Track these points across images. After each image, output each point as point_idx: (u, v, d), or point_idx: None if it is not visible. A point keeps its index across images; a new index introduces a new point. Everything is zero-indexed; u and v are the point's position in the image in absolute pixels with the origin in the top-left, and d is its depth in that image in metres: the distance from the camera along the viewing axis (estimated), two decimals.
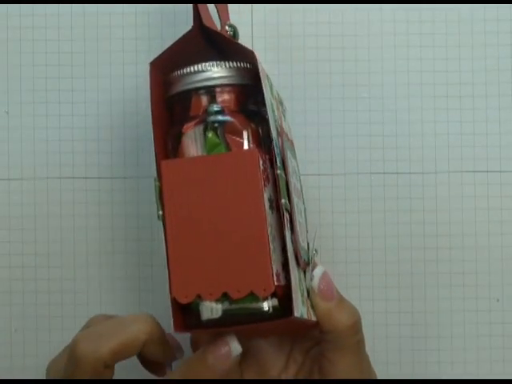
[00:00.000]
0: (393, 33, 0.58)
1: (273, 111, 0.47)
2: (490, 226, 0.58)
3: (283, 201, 0.45)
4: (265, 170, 0.45)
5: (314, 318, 0.48)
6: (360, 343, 0.50)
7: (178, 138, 0.47)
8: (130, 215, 0.58)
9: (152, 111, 0.47)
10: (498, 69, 0.58)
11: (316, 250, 0.51)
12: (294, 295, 0.44)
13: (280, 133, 0.47)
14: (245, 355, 0.52)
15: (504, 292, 0.58)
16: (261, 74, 0.46)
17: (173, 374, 0.48)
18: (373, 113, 0.58)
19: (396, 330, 0.58)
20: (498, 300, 0.58)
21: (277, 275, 0.44)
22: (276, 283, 0.44)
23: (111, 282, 0.58)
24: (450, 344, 0.58)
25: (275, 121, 0.47)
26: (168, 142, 0.48)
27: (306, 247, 0.50)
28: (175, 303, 0.45)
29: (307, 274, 0.48)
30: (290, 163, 0.48)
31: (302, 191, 0.52)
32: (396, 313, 0.58)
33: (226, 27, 0.52)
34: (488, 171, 0.58)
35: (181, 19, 0.58)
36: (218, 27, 0.52)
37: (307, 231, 0.51)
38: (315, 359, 0.51)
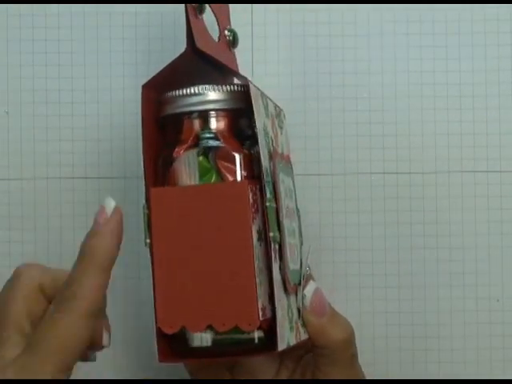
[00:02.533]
0: (393, 33, 0.58)
1: (266, 134, 0.46)
2: (490, 225, 0.58)
3: (271, 234, 0.45)
4: (254, 201, 0.45)
5: (304, 336, 0.48)
6: (354, 357, 0.50)
7: (168, 162, 0.47)
8: (129, 215, 0.58)
9: (143, 135, 0.47)
10: (498, 69, 0.58)
11: (309, 267, 0.50)
12: (278, 329, 0.44)
13: (273, 156, 0.47)
14: (236, 363, 0.52)
15: (504, 292, 0.58)
16: (253, 103, 0.45)
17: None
18: (373, 113, 0.58)
19: (396, 329, 0.58)
20: (497, 300, 0.58)
21: (262, 309, 0.44)
22: (261, 318, 0.44)
23: (111, 281, 0.58)
24: (449, 344, 0.58)
25: (267, 145, 0.46)
26: (158, 165, 0.47)
27: (299, 266, 0.49)
28: (160, 332, 0.45)
29: (298, 293, 0.48)
30: (283, 185, 0.47)
31: (296, 209, 0.51)
32: (396, 313, 0.58)
33: (226, 32, 0.52)
34: (488, 171, 0.58)
35: (181, 19, 0.58)
36: (217, 33, 0.51)
37: (302, 243, 0.51)
38: (307, 367, 0.51)
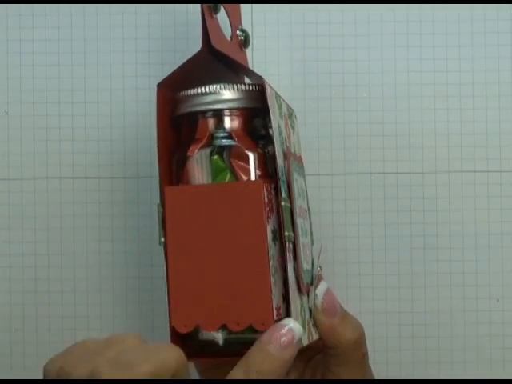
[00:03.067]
0: (393, 33, 0.58)
1: (280, 134, 0.46)
2: (490, 225, 0.58)
3: (286, 233, 0.45)
4: (269, 201, 0.45)
5: (315, 337, 0.48)
6: (364, 357, 0.50)
7: (183, 161, 0.46)
8: (129, 215, 0.58)
9: (158, 135, 0.46)
10: (498, 69, 0.58)
11: (320, 267, 0.50)
12: None
13: (287, 155, 0.47)
14: None
15: (504, 292, 0.58)
16: (269, 102, 0.45)
17: (234, 373, 0.44)
18: (373, 113, 0.58)
19: (396, 329, 0.58)
20: (497, 300, 0.58)
21: (277, 309, 0.44)
22: (276, 318, 0.44)
23: (111, 281, 0.58)
24: (449, 344, 0.58)
25: (282, 145, 0.46)
26: (173, 164, 0.47)
27: (311, 266, 0.49)
28: (174, 331, 0.45)
29: (310, 293, 0.48)
30: (296, 185, 0.48)
31: (308, 209, 0.51)
32: (396, 313, 0.58)
33: (238, 32, 0.52)
34: (488, 171, 0.58)
35: (181, 19, 0.58)
36: (229, 32, 0.51)
37: (313, 243, 0.51)
38: (317, 367, 0.51)
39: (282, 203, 0.45)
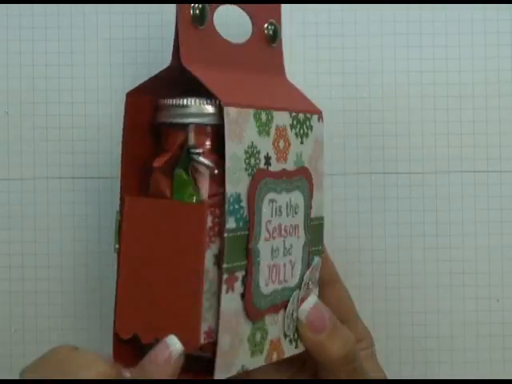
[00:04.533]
0: (393, 33, 0.58)
1: (251, 156, 0.44)
2: (490, 225, 0.58)
3: (224, 265, 0.43)
4: (215, 225, 0.44)
5: (293, 352, 0.48)
6: (357, 370, 0.48)
7: (151, 170, 0.46)
8: None
9: (123, 143, 0.46)
10: (498, 69, 0.58)
11: (311, 280, 0.49)
12: (218, 359, 0.43)
13: (256, 177, 0.44)
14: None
15: (504, 292, 0.58)
16: (227, 131, 0.43)
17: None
18: (373, 113, 0.58)
19: (396, 329, 0.58)
20: (497, 300, 0.58)
21: (207, 332, 0.44)
22: (204, 341, 0.44)
23: (111, 281, 0.58)
24: (450, 344, 0.58)
25: (246, 170, 0.44)
26: (145, 172, 0.47)
27: (296, 281, 0.48)
28: (117, 336, 0.46)
29: (290, 309, 0.48)
30: (270, 207, 0.46)
31: (306, 222, 0.49)
32: (396, 313, 0.58)
33: (266, 25, 0.51)
34: (488, 171, 0.58)
35: None
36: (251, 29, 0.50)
37: (310, 254, 0.49)
38: (307, 376, 0.51)
39: (225, 234, 0.43)
